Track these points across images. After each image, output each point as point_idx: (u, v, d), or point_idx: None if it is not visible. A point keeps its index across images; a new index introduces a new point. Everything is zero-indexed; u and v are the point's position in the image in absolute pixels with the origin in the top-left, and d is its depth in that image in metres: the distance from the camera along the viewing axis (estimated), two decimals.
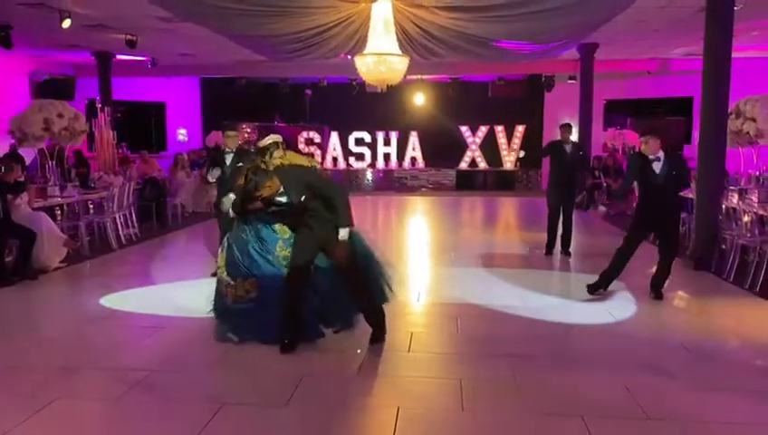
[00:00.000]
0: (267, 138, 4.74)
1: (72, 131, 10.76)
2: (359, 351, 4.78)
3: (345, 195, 4.67)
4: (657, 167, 6.01)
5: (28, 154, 11.12)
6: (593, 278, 6.41)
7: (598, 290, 6.31)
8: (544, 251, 8.62)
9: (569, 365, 4.58)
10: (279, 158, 4.59)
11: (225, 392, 3.97)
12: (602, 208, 13.45)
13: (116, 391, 4.00)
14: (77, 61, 15.25)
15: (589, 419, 3.61)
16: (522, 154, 8.89)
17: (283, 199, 4.61)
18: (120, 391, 4.01)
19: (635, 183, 6.46)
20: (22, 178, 7.51)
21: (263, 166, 4.61)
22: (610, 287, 6.38)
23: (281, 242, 4.84)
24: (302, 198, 4.55)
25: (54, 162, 9.61)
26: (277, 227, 4.87)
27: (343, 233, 4.54)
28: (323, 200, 4.59)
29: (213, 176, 6.86)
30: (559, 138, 8.59)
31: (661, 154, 6.01)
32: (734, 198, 7.63)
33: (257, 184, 4.53)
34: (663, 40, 12.62)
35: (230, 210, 5.04)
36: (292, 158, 4.83)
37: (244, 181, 4.72)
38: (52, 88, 14.81)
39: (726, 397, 4.02)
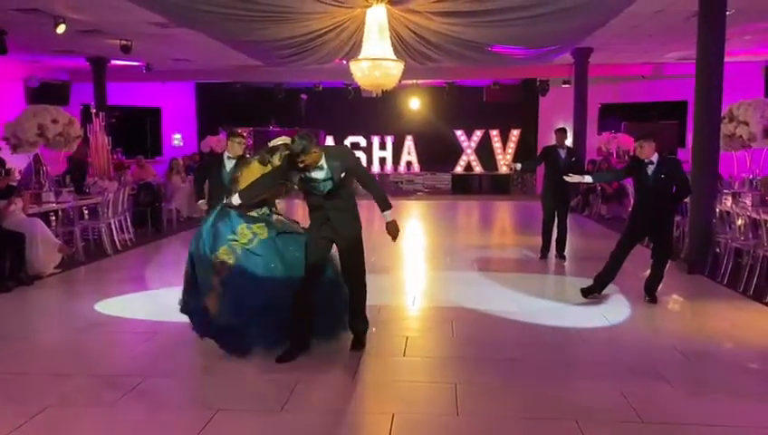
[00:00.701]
0: (278, 139, 4.79)
1: (67, 137, 10.78)
2: (350, 356, 4.77)
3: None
4: (650, 170, 6.05)
5: (23, 160, 11.10)
6: (588, 282, 6.42)
7: (592, 294, 6.33)
8: (539, 255, 8.63)
9: (563, 369, 4.59)
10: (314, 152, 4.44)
11: (219, 398, 3.96)
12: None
13: (110, 398, 3.99)
14: (72, 66, 15.23)
15: (583, 423, 3.62)
16: (518, 166, 8.86)
17: (320, 176, 4.50)
18: (114, 397, 4.00)
19: (630, 188, 6.52)
20: (14, 183, 7.46)
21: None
22: (605, 291, 6.39)
23: (244, 227, 4.78)
24: (342, 176, 4.55)
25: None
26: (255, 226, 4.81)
27: (388, 214, 4.77)
28: (348, 191, 4.69)
29: (202, 206, 6.41)
30: (554, 142, 8.62)
31: (655, 158, 6.05)
32: (728, 202, 7.66)
33: (304, 148, 4.30)
34: (657, 44, 12.68)
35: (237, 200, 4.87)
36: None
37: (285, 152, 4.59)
38: (46, 93, 14.77)
39: (721, 400, 4.03)
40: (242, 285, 4.59)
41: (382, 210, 4.76)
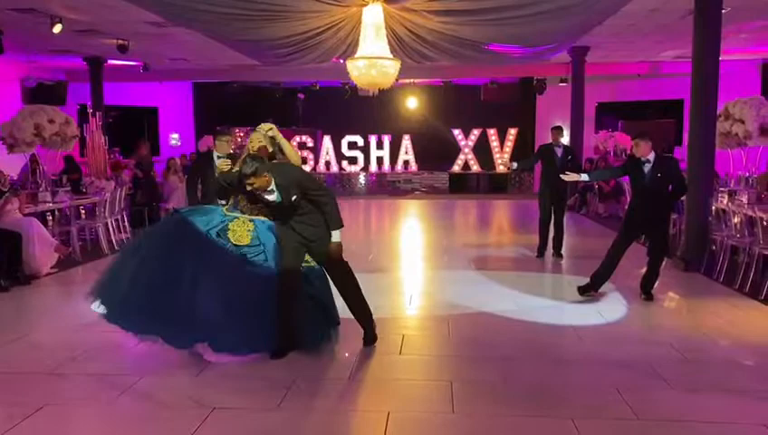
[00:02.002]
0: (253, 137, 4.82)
1: (64, 137, 10.77)
2: (346, 354, 4.81)
3: (334, 198, 4.67)
4: (646, 168, 6.07)
5: (19, 160, 11.09)
6: (584, 280, 6.44)
7: (588, 292, 6.34)
8: (536, 253, 8.65)
9: (559, 367, 4.60)
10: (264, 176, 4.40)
11: (215, 397, 3.96)
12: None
13: (106, 397, 3.99)
14: (68, 66, 15.22)
15: (579, 420, 3.62)
16: (514, 166, 8.85)
17: (272, 197, 4.50)
18: (110, 396, 4.00)
19: (627, 186, 6.54)
20: (6, 189, 7.39)
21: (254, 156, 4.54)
22: (601, 289, 6.41)
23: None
24: (293, 199, 4.50)
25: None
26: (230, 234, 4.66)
27: (336, 235, 4.59)
28: (312, 203, 4.58)
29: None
30: (550, 140, 8.64)
31: (652, 156, 6.06)
32: (724, 200, 7.68)
33: (257, 171, 4.28)
34: (653, 43, 12.71)
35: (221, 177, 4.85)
36: (286, 148, 4.92)
37: (241, 163, 4.57)
38: (43, 93, 14.77)
39: (716, 397, 4.04)
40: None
41: (331, 229, 4.58)
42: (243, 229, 4.66)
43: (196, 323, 4.34)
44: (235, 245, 4.58)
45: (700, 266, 7.57)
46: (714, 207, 7.61)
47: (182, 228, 4.61)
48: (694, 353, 4.80)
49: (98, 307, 4.53)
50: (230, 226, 4.65)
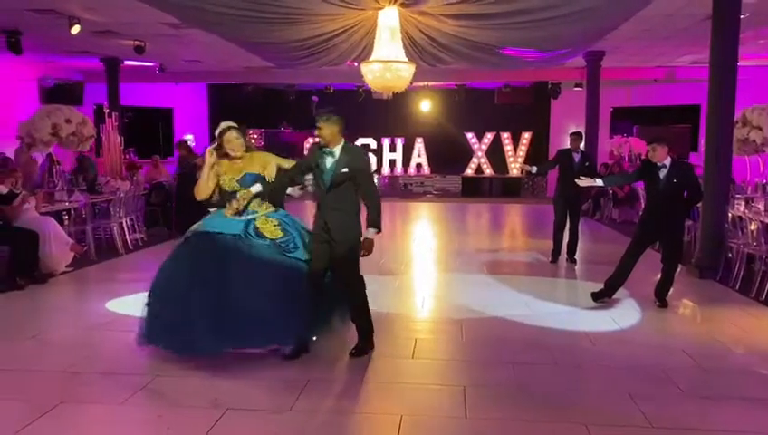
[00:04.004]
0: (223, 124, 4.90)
1: (80, 136, 10.89)
2: (350, 354, 4.78)
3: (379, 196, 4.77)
4: (662, 174, 6.03)
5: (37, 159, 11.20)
6: (598, 286, 6.40)
7: (602, 298, 6.31)
8: (550, 258, 8.61)
9: (573, 373, 4.57)
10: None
11: (229, 398, 3.98)
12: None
13: (121, 396, 4.02)
14: (85, 66, 15.36)
15: (592, 427, 3.60)
16: (534, 169, 8.82)
17: (328, 164, 4.56)
18: (124, 395, 4.03)
19: (642, 191, 6.50)
20: (18, 190, 7.46)
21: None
22: (615, 295, 6.37)
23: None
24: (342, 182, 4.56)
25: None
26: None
27: (372, 232, 4.61)
28: (351, 195, 4.62)
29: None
30: (568, 146, 8.61)
31: (668, 161, 6.02)
32: (741, 207, 7.61)
33: (329, 116, 4.50)
34: (669, 48, 12.63)
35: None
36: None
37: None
38: (60, 93, 14.93)
39: (731, 406, 4.01)
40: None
41: (368, 226, 4.61)
42: (269, 225, 4.77)
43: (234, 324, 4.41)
44: (272, 239, 4.70)
45: (716, 274, 7.50)
46: (730, 215, 7.55)
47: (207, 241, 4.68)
48: (708, 361, 4.76)
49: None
50: (258, 224, 4.75)
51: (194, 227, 4.88)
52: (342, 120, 4.55)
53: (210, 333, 4.36)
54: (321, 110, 4.59)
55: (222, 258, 4.56)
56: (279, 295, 4.51)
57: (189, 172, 11.00)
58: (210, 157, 4.86)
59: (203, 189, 4.88)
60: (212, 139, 5.07)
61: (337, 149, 4.56)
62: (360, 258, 4.68)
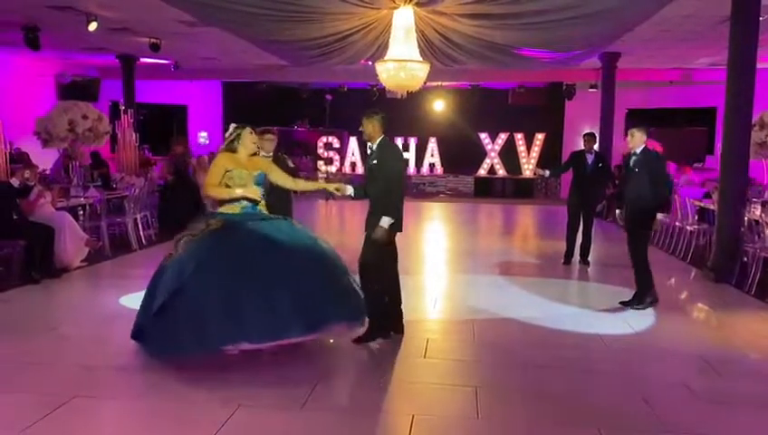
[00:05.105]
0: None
1: (96, 133, 10.96)
2: (370, 356, 4.80)
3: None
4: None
5: (52, 154, 11.31)
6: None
7: (644, 302, 6.18)
8: (563, 260, 8.56)
9: (586, 375, 4.55)
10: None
11: (240, 395, 3.98)
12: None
13: (134, 391, 4.05)
14: (102, 63, 15.48)
15: (605, 430, 3.58)
16: (547, 173, 8.80)
17: (371, 154, 5.09)
18: (138, 390, 4.06)
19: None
20: (32, 183, 7.52)
21: None
22: (627, 298, 6.31)
23: None
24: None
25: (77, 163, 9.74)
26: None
27: (385, 221, 4.78)
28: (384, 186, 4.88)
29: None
30: (582, 147, 8.56)
31: (639, 150, 6.29)
32: (757, 210, 7.53)
33: (369, 116, 5.10)
34: (686, 50, 12.51)
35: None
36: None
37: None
38: (76, 90, 15.06)
39: (746, 411, 3.97)
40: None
41: (381, 214, 4.81)
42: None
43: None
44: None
45: (731, 278, 7.43)
46: (746, 218, 7.47)
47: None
48: (723, 366, 4.71)
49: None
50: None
51: (209, 224, 4.80)
52: (381, 117, 5.07)
53: (294, 316, 4.23)
54: (368, 109, 5.15)
55: (266, 248, 4.46)
56: (330, 277, 4.55)
57: (184, 171, 10.94)
58: (228, 161, 4.81)
59: (217, 190, 4.79)
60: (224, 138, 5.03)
61: (375, 145, 5.03)
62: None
